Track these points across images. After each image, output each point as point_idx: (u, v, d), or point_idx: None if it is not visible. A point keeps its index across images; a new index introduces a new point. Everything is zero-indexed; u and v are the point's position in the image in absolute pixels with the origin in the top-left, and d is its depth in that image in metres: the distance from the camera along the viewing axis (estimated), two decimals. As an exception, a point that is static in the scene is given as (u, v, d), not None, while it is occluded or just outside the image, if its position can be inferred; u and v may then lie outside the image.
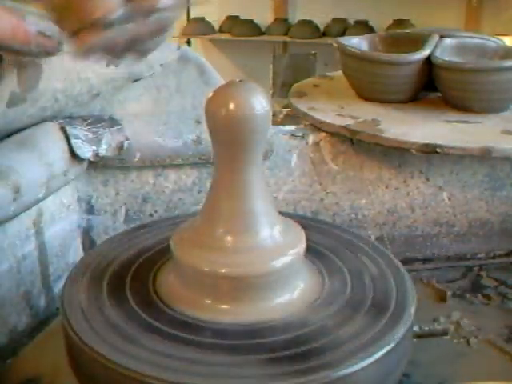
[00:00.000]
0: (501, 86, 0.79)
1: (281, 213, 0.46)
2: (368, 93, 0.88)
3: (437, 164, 0.79)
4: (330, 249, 0.51)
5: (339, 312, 0.44)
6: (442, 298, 0.70)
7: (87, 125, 0.67)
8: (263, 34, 4.18)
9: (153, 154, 0.69)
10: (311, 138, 0.78)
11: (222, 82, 0.48)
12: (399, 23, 3.72)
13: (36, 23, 0.37)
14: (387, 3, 3.88)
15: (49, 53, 0.38)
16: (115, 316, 0.43)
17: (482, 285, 0.73)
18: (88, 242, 0.72)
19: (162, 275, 0.48)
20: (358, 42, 0.91)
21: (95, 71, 0.65)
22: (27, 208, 0.59)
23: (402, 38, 0.93)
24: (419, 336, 0.62)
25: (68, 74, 0.63)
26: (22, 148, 0.61)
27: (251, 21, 4.12)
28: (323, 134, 0.79)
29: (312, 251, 0.49)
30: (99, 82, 0.66)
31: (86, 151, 0.66)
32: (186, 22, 4.31)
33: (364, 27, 3.76)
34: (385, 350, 0.40)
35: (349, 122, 0.78)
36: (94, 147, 0.66)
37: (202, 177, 0.74)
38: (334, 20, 4.08)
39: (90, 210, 0.72)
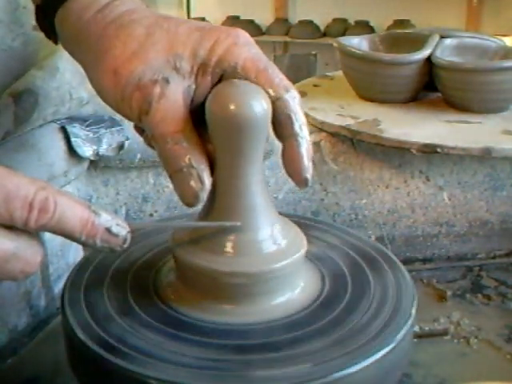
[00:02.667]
0: (501, 86, 0.80)
1: (281, 213, 0.46)
2: (368, 93, 0.88)
3: (437, 164, 0.79)
4: (329, 248, 0.51)
5: (339, 312, 0.44)
6: (442, 297, 0.70)
7: (88, 125, 0.67)
8: (264, 34, 4.18)
9: (154, 154, 0.69)
10: (311, 138, 0.77)
11: None
12: (399, 23, 3.72)
13: (106, 220, 0.38)
14: (387, 3, 3.88)
15: (112, 249, 0.39)
16: (115, 316, 0.43)
17: (482, 285, 0.73)
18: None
19: (162, 275, 0.48)
20: (358, 42, 0.91)
21: (88, 88, 0.65)
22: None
23: (403, 38, 0.93)
24: (419, 336, 0.62)
25: (61, 97, 0.64)
26: (22, 148, 0.61)
27: (252, 21, 4.13)
28: (323, 134, 0.79)
29: (312, 251, 0.49)
30: (90, 95, 0.66)
31: (86, 150, 0.66)
32: (186, 22, 4.30)
33: (364, 27, 3.77)
34: (385, 350, 0.40)
35: (349, 122, 0.78)
36: (95, 146, 0.66)
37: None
38: (335, 20, 4.08)
39: (91, 209, 0.72)
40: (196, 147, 0.41)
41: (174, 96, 0.42)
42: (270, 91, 0.42)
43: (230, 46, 0.43)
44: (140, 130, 0.46)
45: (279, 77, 0.43)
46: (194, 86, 0.43)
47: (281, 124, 0.43)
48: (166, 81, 0.42)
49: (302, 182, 0.43)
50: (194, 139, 0.41)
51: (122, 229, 0.39)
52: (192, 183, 0.40)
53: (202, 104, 0.42)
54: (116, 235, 0.38)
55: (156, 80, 0.42)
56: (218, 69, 0.43)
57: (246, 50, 0.43)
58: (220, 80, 0.43)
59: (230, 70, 0.42)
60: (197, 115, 0.43)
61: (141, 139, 0.47)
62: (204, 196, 0.41)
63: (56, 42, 0.51)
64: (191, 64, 0.42)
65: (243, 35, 0.44)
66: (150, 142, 0.45)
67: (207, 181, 0.41)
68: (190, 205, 0.42)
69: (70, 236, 0.37)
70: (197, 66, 0.43)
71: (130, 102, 0.42)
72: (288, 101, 0.42)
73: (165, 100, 0.41)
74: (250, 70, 0.42)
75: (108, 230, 0.38)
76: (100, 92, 0.46)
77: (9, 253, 0.35)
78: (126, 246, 0.39)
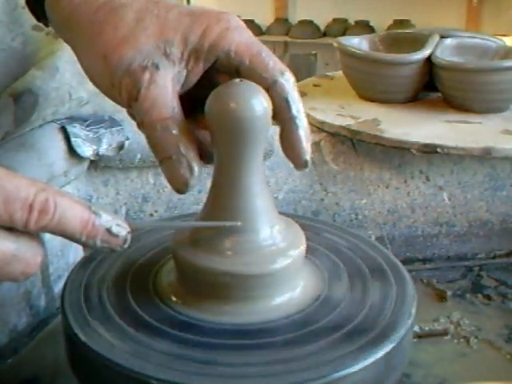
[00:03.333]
0: (501, 86, 0.80)
1: (281, 213, 0.46)
2: (368, 93, 0.88)
3: (437, 164, 0.79)
4: (329, 248, 0.51)
5: (339, 312, 0.44)
6: (442, 297, 0.70)
7: (88, 125, 0.67)
8: (264, 34, 4.18)
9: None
10: (311, 138, 0.78)
11: None
12: (399, 23, 3.73)
13: (107, 220, 0.38)
14: (387, 3, 3.88)
15: (112, 250, 0.39)
16: (115, 316, 0.43)
17: (482, 285, 0.73)
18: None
19: (162, 275, 0.48)
20: (358, 42, 0.91)
21: (87, 88, 0.65)
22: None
23: (403, 37, 0.93)
24: (419, 336, 0.62)
25: (61, 97, 0.64)
26: (22, 148, 0.61)
27: (252, 21, 4.12)
28: (323, 134, 0.79)
29: (312, 251, 0.49)
30: (90, 95, 0.66)
31: (86, 150, 0.66)
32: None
33: (364, 27, 3.77)
34: (385, 350, 0.40)
35: (349, 122, 0.78)
36: (95, 146, 0.67)
37: (201, 177, 0.74)
38: (335, 20, 4.08)
39: (90, 209, 0.72)
40: (185, 134, 0.41)
41: (164, 82, 0.41)
42: (266, 75, 0.42)
43: (221, 31, 0.43)
44: (133, 115, 0.46)
45: (273, 60, 0.43)
46: (184, 72, 0.42)
47: (278, 107, 0.42)
48: (156, 67, 0.41)
49: (301, 164, 0.43)
50: (183, 126, 0.41)
51: (122, 229, 0.39)
52: (182, 171, 0.41)
53: (193, 90, 0.42)
54: (116, 235, 0.38)
55: (146, 66, 0.41)
56: (210, 55, 0.42)
57: (238, 34, 0.43)
58: (213, 65, 0.43)
59: (224, 55, 0.42)
60: (188, 101, 0.42)
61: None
62: (194, 183, 0.41)
63: (47, 25, 0.51)
64: (181, 50, 0.42)
65: (234, 19, 0.44)
66: None
67: (196, 168, 0.41)
68: (179, 191, 0.42)
69: (70, 237, 0.37)
70: (188, 51, 0.42)
71: (120, 88, 0.42)
72: (284, 84, 0.42)
73: (154, 86, 0.41)
74: (244, 55, 0.42)
75: (108, 230, 0.38)
76: (91, 77, 0.45)
77: (9, 254, 0.35)
78: (126, 246, 0.39)
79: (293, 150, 0.43)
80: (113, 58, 0.42)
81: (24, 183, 0.35)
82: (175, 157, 0.41)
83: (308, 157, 0.43)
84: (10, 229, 0.35)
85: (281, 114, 0.42)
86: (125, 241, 0.39)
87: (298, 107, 0.43)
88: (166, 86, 0.41)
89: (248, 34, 0.44)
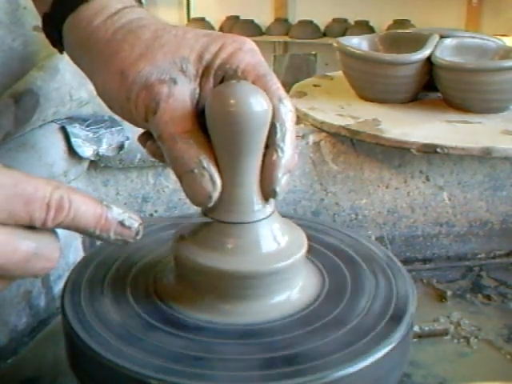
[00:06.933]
0: (501, 86, 0.79)
1: (280, 213, 0.46)
2: (368, 93, 0.88)
3: (437, 164, 0.79)
4: (329, 248, 0.51)
5: (339, 312, 0.44)
6: (442, 297, 0.70)
7: (88, 125, 0.67)
8: (263, 34, 4.18)
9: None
10: (311, 138, 0.78)
11: None
12: (399, 23, 3.73)
13: (119, 213, 0.39)
14: (387, 3, 3.88)
15: (126, 241, 0.40)
16: (115, 316, 0.43)
17: (482, 285, 0.73)
18: (88, 241, 0.72)
19: (162, 275, 0.48)
20: (358, 42, 0.91)
21: (88, 89, 0.65)
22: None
23: (402, 38, 0.93)
24: (419, 336, 0.62)
25: (62, 98, 0.64)
26: (22, 148, 0.61)
27: (251, 21, 4.13)
28: (323, 134, 0.79)
29: (312, 251, 0.49)
30: (90, 96, 0.66)
31: (86, 150, 0.66)
32: (186, 22, 4.32)
33: (364, 27, 3.78)
34: (385, 351, 0.40)
35: (349, 122, 0.78)
36: (95, 146, 0.67)
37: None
38: (335, 20, 4.08)
39: (91, 210, 0.72)
40: (205, 147, 0.41)
41: (182, 96, 0.42)
42: None
43: (234, 51, 0.43)
44: (144, 140, 0.46)
45: (276, 85, 0.43)
46: (198, 90, 0.43)
47: None
48: (174, 81, 0.42)
49: (268, 193, 0.43)
50: (202, 140, 0.41)
51: (134, 221, 0.39)
52: (204, 184, 0.41)
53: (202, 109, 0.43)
54: (129, 227, 0.39)
55: (163, 80, 0.42)
56: (220, 71, 0.43)
57: (250, 56, 0.44)
58: (221, 82, 0.43)
59: (231, 72, 0.43)
60: (201, 119, 0.43)
61: None
62: (216, 196, 0.41)
63: (61, 52, 0.51)
64: (197, 67, 0.43)
65: (249, 43, 0.45)
66: (154, 150, 0.45)
67: (218, 181, 0.41)
68: (201, 205, 0.42)
69: (84, 231, 0.38)
70: (202, 69, 0.43)
71: (136, 101, 0.42)
72: (278, 110, 0.42)
73: (173, 100, 0.41)
74: (250, 75, 0.43)
75: (121, 223, 0.39)
76: (105, 95, 0.46)
77: (30, 253, 0.36)
78: (138, 237, 0.40)
79: (264, 176, 0.42)
80: (130, 73, 0.42)
81: (41, 183, 0.36)
82: (197, 170, 0.40)
83: (278, 188, 0.43)
84: (28, 227, 0.36)
85: (267, 138, 0.42)
86: (137, 232, 0.40)
87: (284, 136, 0.42)
88: (184, 100, 0.42)
89: (259, 58, 0.44)
